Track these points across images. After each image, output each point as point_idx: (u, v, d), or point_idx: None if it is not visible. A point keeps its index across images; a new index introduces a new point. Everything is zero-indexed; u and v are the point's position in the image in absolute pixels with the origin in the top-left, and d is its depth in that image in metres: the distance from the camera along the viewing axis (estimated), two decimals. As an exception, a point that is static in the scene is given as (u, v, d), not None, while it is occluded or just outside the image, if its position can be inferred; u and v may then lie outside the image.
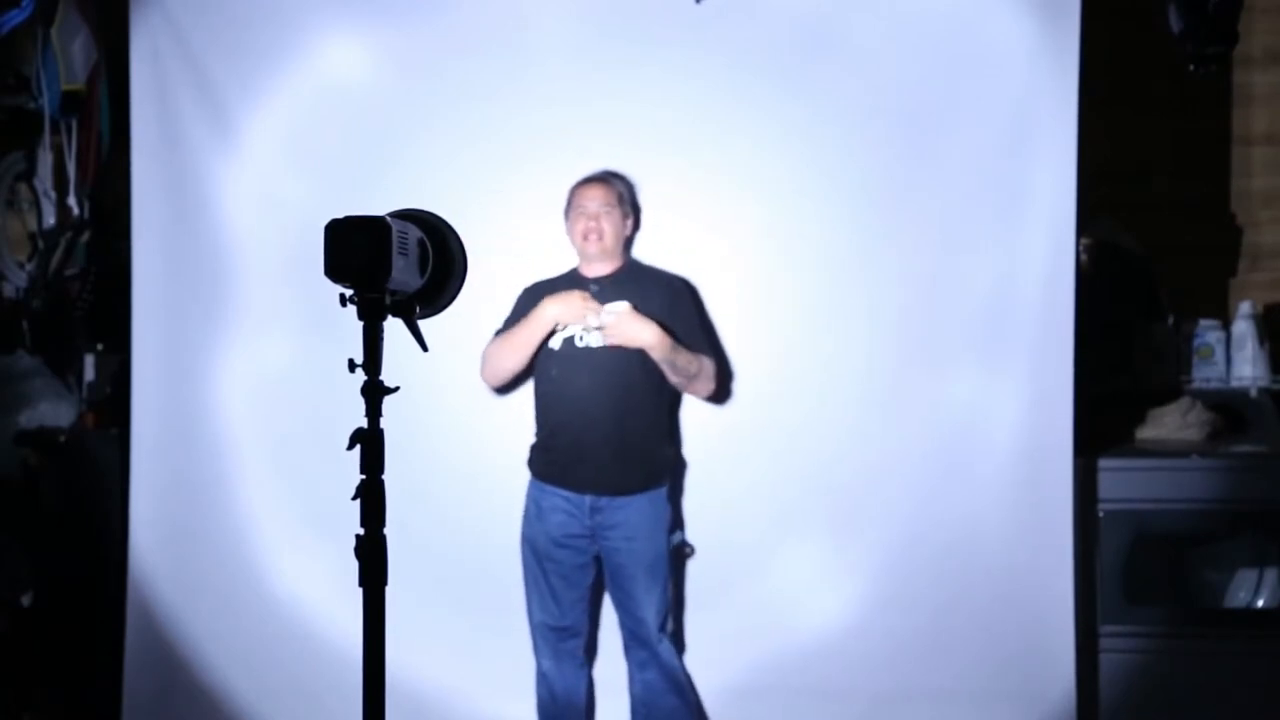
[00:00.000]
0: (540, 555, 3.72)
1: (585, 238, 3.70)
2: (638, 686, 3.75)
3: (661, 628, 3.72)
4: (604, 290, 3.71)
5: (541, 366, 3.73)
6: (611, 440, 3.66)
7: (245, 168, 4.03)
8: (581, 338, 3.68)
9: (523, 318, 3.72)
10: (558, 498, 3.70)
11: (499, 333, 3.76)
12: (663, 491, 3.74)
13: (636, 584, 3.69)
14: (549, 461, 3.73)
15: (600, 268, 3.74)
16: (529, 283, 3.78)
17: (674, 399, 3.80)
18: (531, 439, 3.77)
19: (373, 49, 3.98)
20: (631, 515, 3.68)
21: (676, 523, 3.81)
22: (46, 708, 4.24)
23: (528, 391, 3.78)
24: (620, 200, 3.74)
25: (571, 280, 3.75)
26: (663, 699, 3.73)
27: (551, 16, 3.91)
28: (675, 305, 3.74)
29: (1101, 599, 3.77)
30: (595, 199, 3.71)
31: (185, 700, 4.04)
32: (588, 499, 3.68)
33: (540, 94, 3.89)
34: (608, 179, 3.76)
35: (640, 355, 3.66)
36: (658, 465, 3.75)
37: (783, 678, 3.81)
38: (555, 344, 3.69)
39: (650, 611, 3.70)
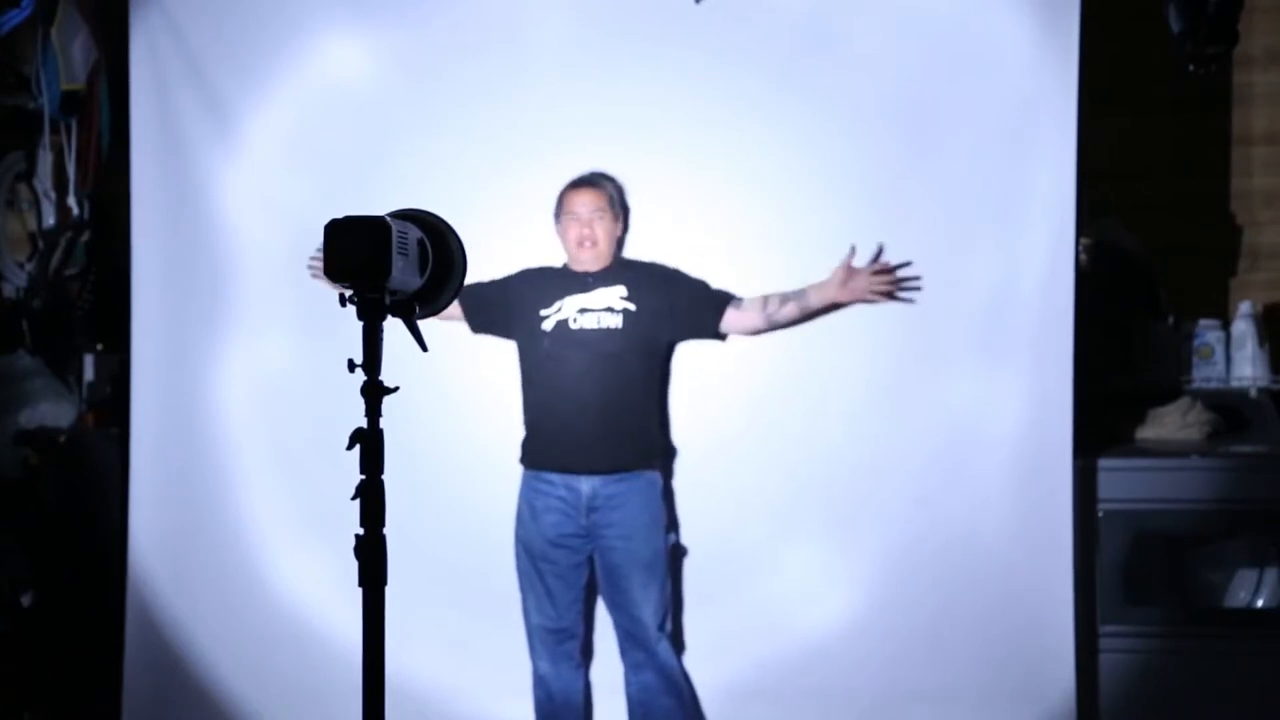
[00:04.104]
0: (535, 557, 3.72)
1: (580, 244, 3.73)
2: (634, 688, 3.74)
3: (660, 627, 3.71)
4: (596, 282, 3.73)
5: (527, 348, 3.74)
6: (604, 416, 3.66)
7: (245, 168, 4.03)
8: (575, 320, 3.69)
9: (498, 292, 3.74)
10: (552, 497, 3.70)
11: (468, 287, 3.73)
12: (657, 483, 3.73)
13: (633, 583, 3.69)
14: (537, 447, 3.73)
15: (592, 265, 3.76)
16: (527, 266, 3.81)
17: (665, 386, 3.81)
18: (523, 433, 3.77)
19: (373, 49, 3.98)
20: (628, 514, 3.68)
21: (671, 524, 3.81)
22: (47, 708, 4.24)
23: (528, 391, 3.79)
24: (611, 203, 3.76)
25: (565, 274, 3.77)
26: (659, 700, 3.72)
27: (551, 16, 3.91)
28: (675, 282, 3.76)
29: (1101, 599, 3.77)
30: (587, 204, 3.73)
31: (185, 700, 4.04)
32: (583, 487, 3.67)
33: (540, 94, 3.89)
34: (598, 182, 3.77)
35: (636, 339, 3.67)
36: (650, 444, 3.75)
37: (782, 678, 3.81)
38: (548, 326, 3.70)
39: (648, 611, 3.70)
